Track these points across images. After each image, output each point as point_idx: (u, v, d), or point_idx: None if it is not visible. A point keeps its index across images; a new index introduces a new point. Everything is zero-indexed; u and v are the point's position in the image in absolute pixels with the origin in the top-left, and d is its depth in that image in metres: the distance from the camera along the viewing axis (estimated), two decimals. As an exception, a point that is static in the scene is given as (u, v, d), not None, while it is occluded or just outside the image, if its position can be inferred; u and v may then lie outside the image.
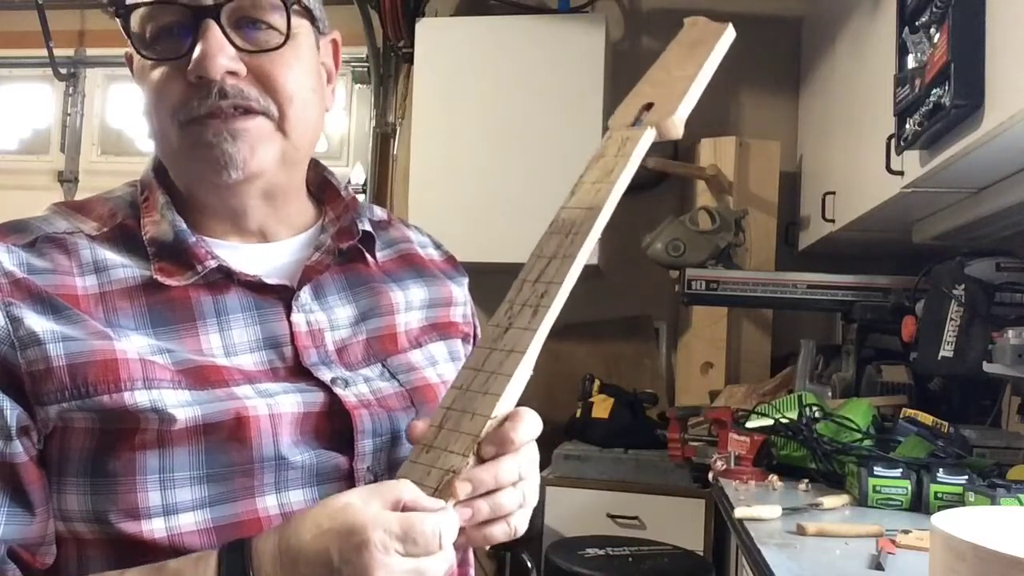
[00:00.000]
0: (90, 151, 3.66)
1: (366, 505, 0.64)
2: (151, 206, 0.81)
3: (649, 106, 0.76)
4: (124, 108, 3.67)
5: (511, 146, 2.92)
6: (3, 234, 0.77)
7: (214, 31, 0.75)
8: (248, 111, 0.77)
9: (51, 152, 3.69)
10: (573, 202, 0.74)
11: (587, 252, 0.71)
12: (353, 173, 3.30)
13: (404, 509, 0.65)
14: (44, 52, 3.42)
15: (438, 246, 1.02)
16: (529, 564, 2.51)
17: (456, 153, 2.96)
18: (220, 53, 0.75)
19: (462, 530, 0.68)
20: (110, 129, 3.69)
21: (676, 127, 0.74)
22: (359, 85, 3.44)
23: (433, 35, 3.02)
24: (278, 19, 0.78)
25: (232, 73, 0.76)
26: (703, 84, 0.76)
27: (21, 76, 3.76)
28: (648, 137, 0.75)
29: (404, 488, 0.65)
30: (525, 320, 0.70)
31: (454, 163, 2.96)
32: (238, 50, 0.77)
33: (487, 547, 0.76)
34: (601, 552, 2.21)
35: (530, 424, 0.71)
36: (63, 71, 3.56)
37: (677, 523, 2.52)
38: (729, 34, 0.78)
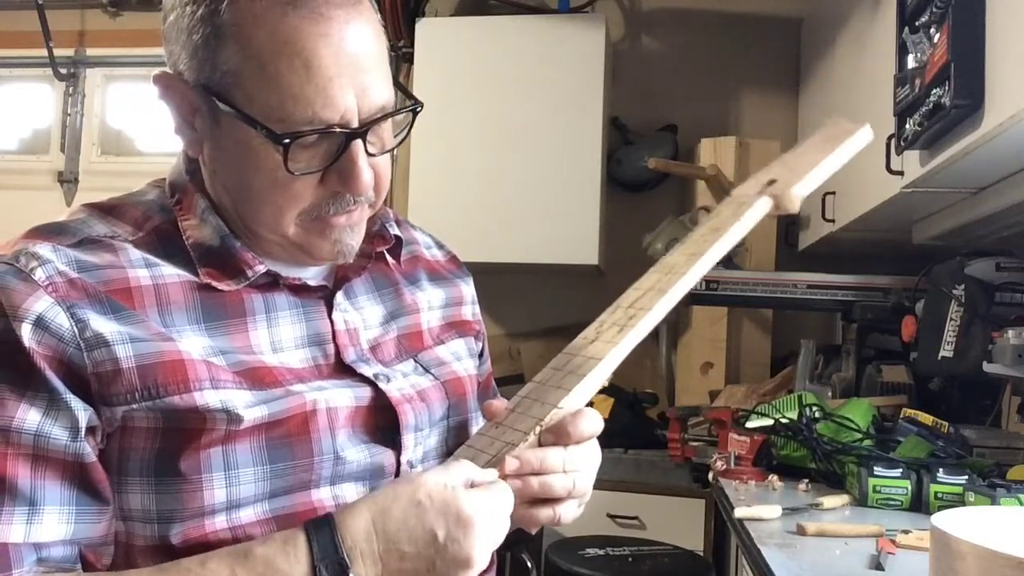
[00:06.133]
0: (90, 151, 3.66)
1: (459, 486, 0.71)
2: (186, 209, 0.82)
3: (772, 182, 0.83)
4: (124, 108, 3.67)
5: (511, 146, 2.91)
6: (46, 235, 0.77)
7: (364, 154, 0.77)
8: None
9: (51, 152, 3.69)
10: (680, 249, 0.81)
11: (682, 290, 0.79)
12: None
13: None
14: (44, 52, 3.43)
15: (441, 246, 1.05)
16: (529, 564, 2.50)
17: (456, 153, 2.95)
18: (369, 173, 0.78)
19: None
20: (110, 129, 3.69)
21: (793, 201, 0.81)
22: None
23: (433, 35, 3.02)
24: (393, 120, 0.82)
25: None
26: (828, 171, 0.82)
27: (21, 76, 3.76)
28: (763, 204, 0.81)
29: (469, 468, 0.73)
30: (610, 336, 0.79)
31: (454, 163, 2.96)
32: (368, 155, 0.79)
33: (531, 530, 0.82)
34: (601, 552, 2.21)
35: (589, 422, 0.78)
36: (63, 71, 3.56)
37: (677, 523, 2.52)
38: (865, 132, 0.84)
